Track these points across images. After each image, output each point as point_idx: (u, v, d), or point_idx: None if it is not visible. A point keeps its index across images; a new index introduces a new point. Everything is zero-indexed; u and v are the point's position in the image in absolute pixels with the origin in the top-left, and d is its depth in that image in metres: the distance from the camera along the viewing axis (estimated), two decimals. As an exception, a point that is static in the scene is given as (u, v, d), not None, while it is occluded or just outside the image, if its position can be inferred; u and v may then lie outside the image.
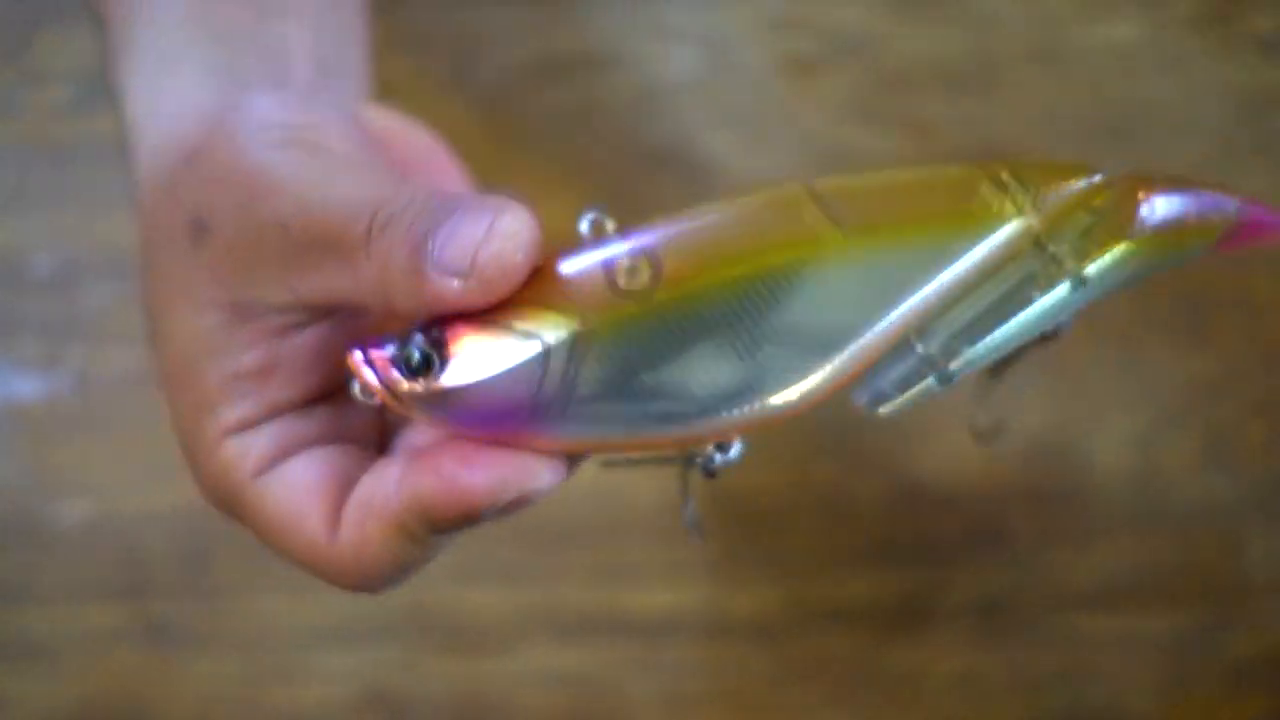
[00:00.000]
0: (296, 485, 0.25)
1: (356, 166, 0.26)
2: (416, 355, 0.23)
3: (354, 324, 0.26)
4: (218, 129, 0.26)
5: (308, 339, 0.25)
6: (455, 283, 0.22)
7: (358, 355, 0.24)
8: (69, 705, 0.53)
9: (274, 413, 0.26)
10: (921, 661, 0.55)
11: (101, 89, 0.53)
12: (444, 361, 0.23)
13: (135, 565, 0.53)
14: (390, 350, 0.23)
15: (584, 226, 0.26)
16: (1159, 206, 0.27)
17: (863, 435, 0.54)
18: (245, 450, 0.26)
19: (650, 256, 0.25)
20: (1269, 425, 0.55)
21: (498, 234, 0.22)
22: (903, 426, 0.55)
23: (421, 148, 0.31)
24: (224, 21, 0.29)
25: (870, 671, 0.54)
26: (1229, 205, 0.28)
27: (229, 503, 0.26)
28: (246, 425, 0.26)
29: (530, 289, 0.24)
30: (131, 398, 0.53)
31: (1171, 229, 0.27)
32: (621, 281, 0.24)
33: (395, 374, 0.23)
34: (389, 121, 0.31)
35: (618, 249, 0.25)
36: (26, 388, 0.53)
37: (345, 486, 0.25)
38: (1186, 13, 0.55)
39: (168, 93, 0.29)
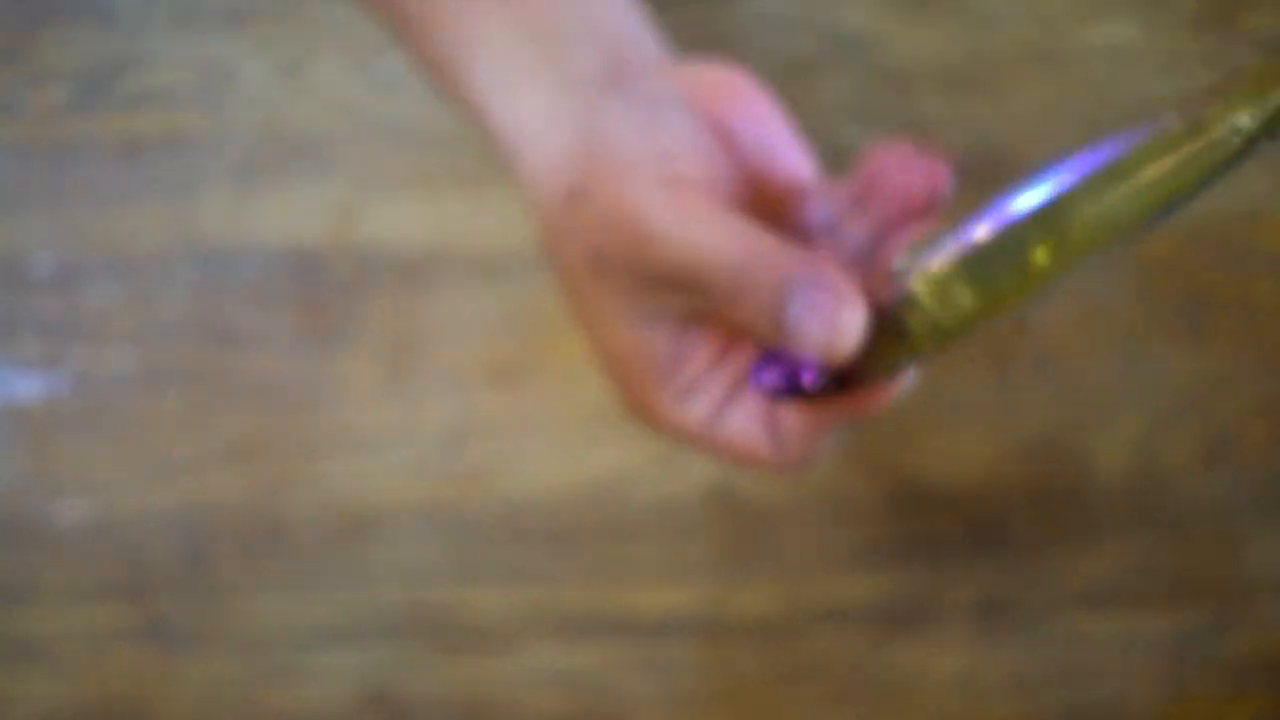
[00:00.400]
0: (744, 430, 0.34)
1: (711, 200, 0.31)
2: (820, 389, 0.31)
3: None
4: (592, 169, 0.32)
5: (704, 322, 0.33)
6: (816, 372, 0.31)
7: (756, 381, 0.32)
8: (69, 705, 0.53)
9: (696, 382, 0.33)
10: (921, 661, 0.54)
11: (102, 90, 0.53)
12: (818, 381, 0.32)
13: (135, 565, 0.53)
14: (774, 380, 0.32)
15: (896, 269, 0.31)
16: None
17: (863, 435, 0.54)
18: (687, 416, 0.33)
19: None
20: (1270, 425, 0.55)
21: (839, 335, 0.29)
22: (903, 426, 0.55)
23: (732, 86, 0.35)
24: (541, 27, 0.34)
25: (870, 671, 0.54)
26: None
27: (694, 440, 0.34)
28: (682, 396, 0.33)
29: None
30: (132, 398, 0.53)
31: None
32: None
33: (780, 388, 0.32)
34: (696, 71, 0.35)
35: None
36: (26, 388, 0.53)
37: (773, 418, 0.34)
38: (1186, 13, 0.55)
39: (528, 109, 0.34)
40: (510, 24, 0.34)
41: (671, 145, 0.32)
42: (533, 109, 0.34)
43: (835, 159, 0.55)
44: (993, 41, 0.55)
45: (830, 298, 0.29)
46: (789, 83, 0.55)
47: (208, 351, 0.53)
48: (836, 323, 0.29)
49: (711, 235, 0.30)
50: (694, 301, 0.31)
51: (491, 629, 0.54)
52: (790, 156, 0.36)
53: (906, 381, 0.34)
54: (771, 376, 0.32)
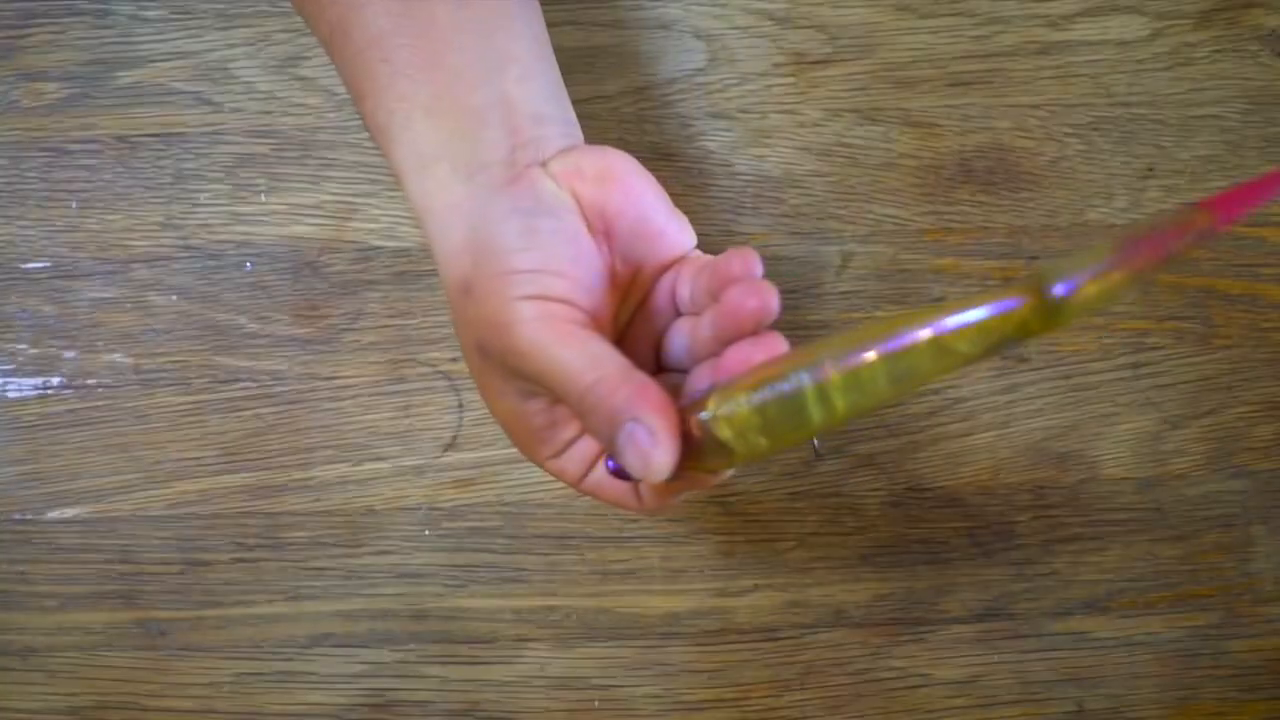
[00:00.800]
0: (605, 484, 0.42)
1: (572, 330, 0.38)
2: (624, 474, 0.40)
3: None
4: (477, 271, 0.39)
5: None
6: (645, 491, 0.41)
7: (609, 465, 0.41)
8: (63, 710, 0.53)
9: (569, 446, 0.42)
10: (924, 665, 0.54)
11: (95, 88, 0.53)
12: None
13: (130, 568, 0.53)
14: (616, 467, 0.41)
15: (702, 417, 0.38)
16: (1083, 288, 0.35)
17: (866, 438, 0.54)
18: (564, 468, 0.42)
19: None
20: (1276, 427, 0.55)
21: (652, 471, 0.36)
22: (906, 429, 0.54)
23: (619, 193, 0.41)
24: (457, 104, 0.40)
25: (872, 676, 0.54)
26: (1191, 229, 0.34)
27: (573, 486, 0.43)
28: (555, 456, 0.42)
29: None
30: (126, 399, 0.53)
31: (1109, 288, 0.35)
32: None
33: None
34: (590, 169, 0.41)
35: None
36: (20, 388, 0.53)
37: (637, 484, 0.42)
38: (1193, 8, 0.55)
39: (432, 190, 0.40)
40: (432, 98, 0.40)
41: (545, 260, 0.38)
42: (438, 195, 0.40)
43: (836, 155, 0.55)
44: (996, 37, 0.55)
45: (648, 438, 0.36)
46: (790, 79, 0.54)
47: (202, 352, 0.53)
48: (650, 460, 0.36)
49: (565, 359, 0.37)
50: (558, 397, 0.38)
51: (491, 632, 0.54)
52: (667, 234, 0.41)
53: (730, 472, 0.41)
54: (615, 464, 0.40)
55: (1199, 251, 0.55)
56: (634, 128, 0.54)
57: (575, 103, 0.54)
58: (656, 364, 0.43)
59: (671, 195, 0.53)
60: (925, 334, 0.35)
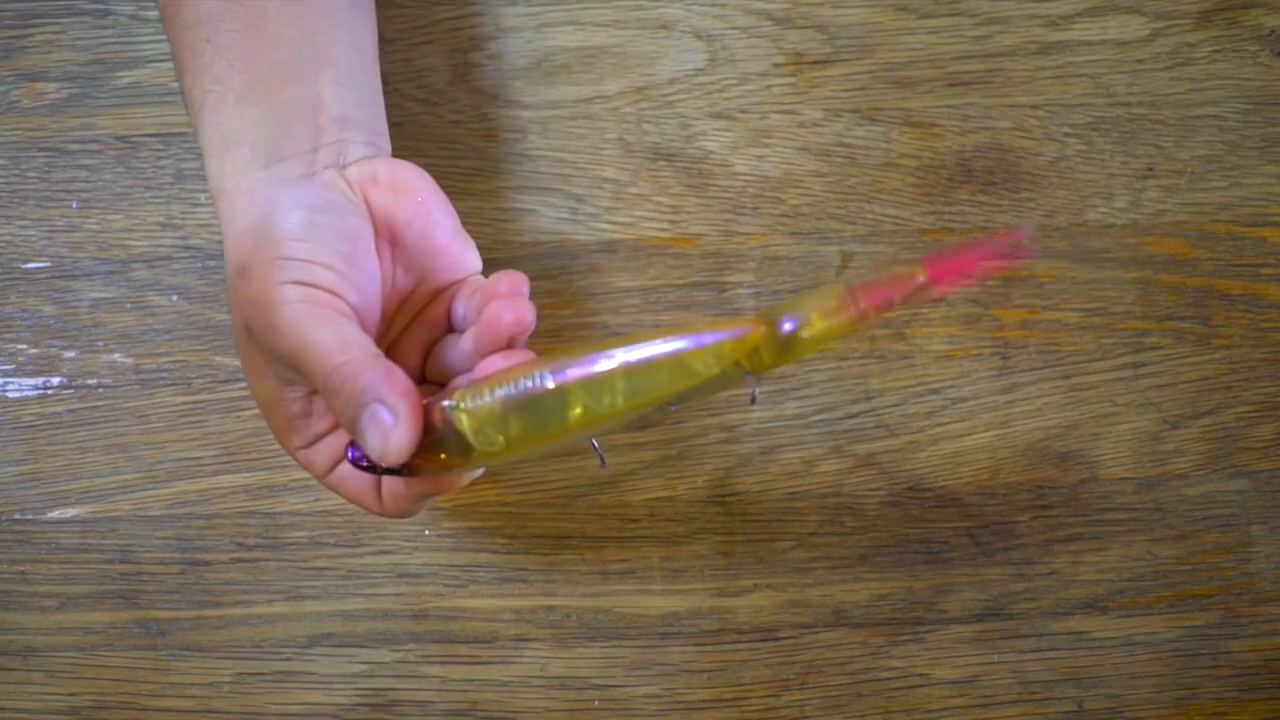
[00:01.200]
0: (349, 481, 0.43)
1: (334, 316, 0.39)
2: (365, 462, 0.41)
3: None
4: (254, 254, 0.40)
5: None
6: (382, 460, 0.39)
7: (351, 454, 0.41)
8: (63, 710, 0.53)
9: (319, 439, 0.42)
10: (923, 665, 0.54)
11: (95, 88, 0.53)
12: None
13: (130, 568, 0.53)
14: (357, 455, 0.41)
15: (445, 408, 0.40)
16: (804, 327, 0.38)
17: (866, 437, 0.54)
18: (313, 462, 0.43)
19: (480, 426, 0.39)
20: (1276, 427, 0.55)
21: (391, 451, 0.38)
22: (906, 429, 0.54)
23: (409, 204, 0.43)
24: (269, 95, 0.42)
25: (871, 675, 0.54)
26: (915, 278, 0.37)
27: (321, 482, 0.44)
28: (306, 446, 0.43)
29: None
30: (126, 399, 0.53)
31: (804, 345, 0.38)
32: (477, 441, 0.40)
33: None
34: (384, 176, 0.43)
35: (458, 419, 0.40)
36: (20, 389, 0.53)
37: (377, 478, 0.43)
38: (1192, 8, 0.55)
39: (231, 170, 0.42)
40: (246, 85, 0.42)
41: (318, 253, 0.40)
42: (234, 177, 0.41)
43: (836, 155, 0.55)
44: (995, 37, 0.55)
45: (389, 418, 0.37)
46: (790, 79, 0.54)
47: (202, 352, 0.53)
48: (389, 438, 0.37)
49: (318, 339, 0.38)
50: (311, 384, 0.39)
51: (490, 632, 0.54)
52: (451, 252, 0.44)
53: (476, 472, 0.43)
54: (356, 453, 0.41)
55: (1198, 251, 0.55)
56: (634, 128, 0.54)
57: (575, 103, 0.54)
58: (422, 376, 0.45)
59: (672, 195, 0.53)
60: (665, 350, 0.37)
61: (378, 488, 0.42)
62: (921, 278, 0.36)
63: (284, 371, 0.40)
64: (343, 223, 0.41)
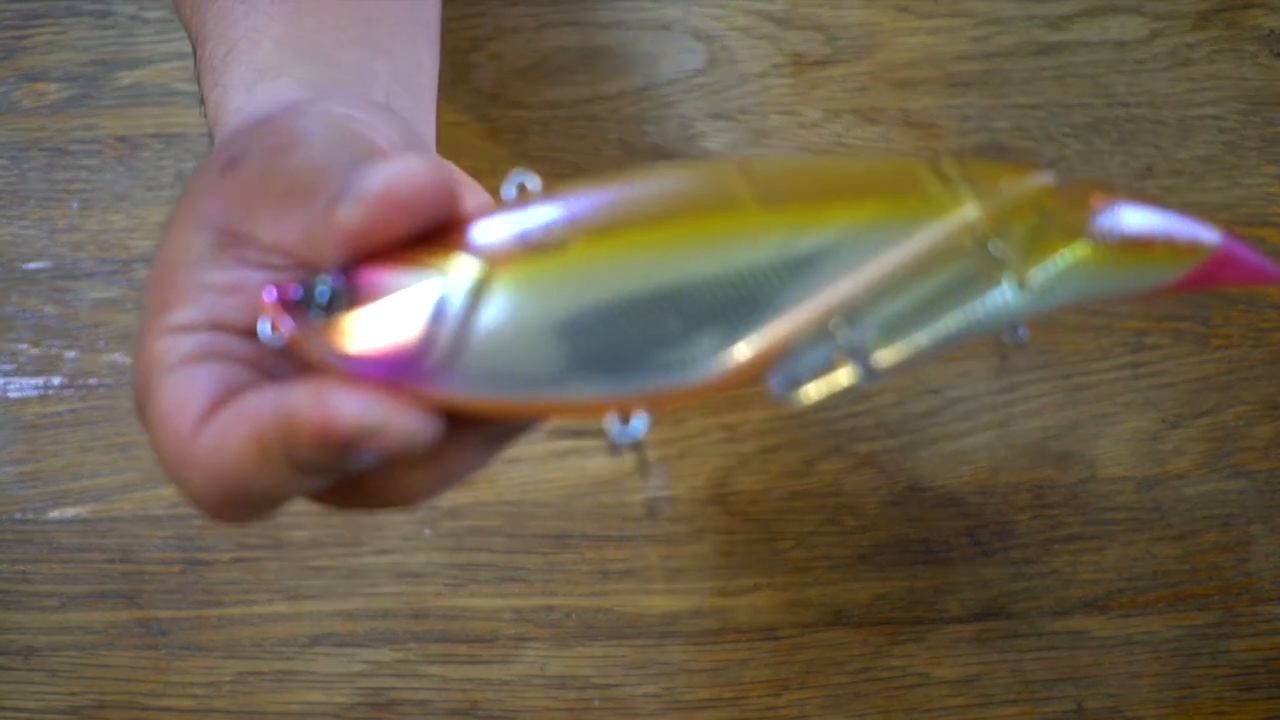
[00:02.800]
0: (192, 380, 0.25)
1: (376, 150, 0.27)
2: (322, 291, 0.23)
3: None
4: (284, 110, 0.29)
5: (272, 279, 0.26)
6: (350, 208, 0.23)
7: (270, 292, 0.24)
8: (64, 709, 0.53)
9: (215, 326, 0.26)
10: (923, 665, 0.54)
11: (96, 89, 0.53)
12: (351, 302, 0.23)
13: (131, 568, 0.53)
14: (300, 291, 0.23)
15: (509, 191, 0.25)
16: (1124, 217, 0.25)
17: (865, 437, 0.54)
18: (173, 345, 0.26)
19: (566, 213, 0.24)
20: (1275, 427, 0.55)
21: (391, 170, 0.23)
22: (906, 429, 0.54)
23: (460, 176, 0.32)
24: (316, 48, 0.32)
25: (871, 675, 0.54)
26: (1208, 235, 0.26)
27: (142, 396, 0.27)
28: (188, 328, 0.26)
29: (445, 238, 0.23)
30: (126, 399, 0.53)
31: (1133, 245, 0.25)
32: (534, 236, 0.23)
33: (303, 314, 0.23)
34: (455, 173, 0.32)
35: (536, 207, 0.24)
36: (21, 389, 0.53)
37: (230, 400, 0.25)
38: (1191, 9, 0.55)
39: (260, 94, 0.31)
40: (290, 34, 0.32)
41: (374, 120, 0.29)
42: (270, 97, 0.31)
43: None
44: (994, 37, 0.55)
45: (395, 160, 0.24)
46: (790, 79, 0.54)
47: (203, 352, 0.53)
48: (392, 166, 0.24)
49: (350, 150, 0.27)
50: (291, 221, 0.26)
51: (491, 632, 0.54)
52: None
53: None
54: (281, 293, 0.25)
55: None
56: (634, 128, 0.54)
57: (575, 103, 0.54)
58: None
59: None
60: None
61: (210, 409, 0.25)
62: (1211, 244, 0.26)
63: (257, 210, 0.27)
64: (408, 127, 0.30)
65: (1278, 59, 0.55)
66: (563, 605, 0.54)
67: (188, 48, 0.54)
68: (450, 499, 0.53)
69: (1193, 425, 0.55)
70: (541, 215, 0.23)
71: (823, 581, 0.54)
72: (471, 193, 0.30)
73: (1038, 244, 0.24)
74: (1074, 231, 0.24)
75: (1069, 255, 0.24)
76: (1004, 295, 0.24)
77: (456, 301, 0.23)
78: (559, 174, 0.54)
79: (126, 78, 0.53)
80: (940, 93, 0.55)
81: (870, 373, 0.23)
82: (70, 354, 0.53)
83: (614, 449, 0.23)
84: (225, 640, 0.53)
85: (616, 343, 0.23)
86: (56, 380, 0.53)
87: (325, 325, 0.23)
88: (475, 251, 0.23)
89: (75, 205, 0.53)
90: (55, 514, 0.53)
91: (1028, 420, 0.55)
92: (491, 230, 0.24)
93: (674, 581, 0.54)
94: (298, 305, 0.23)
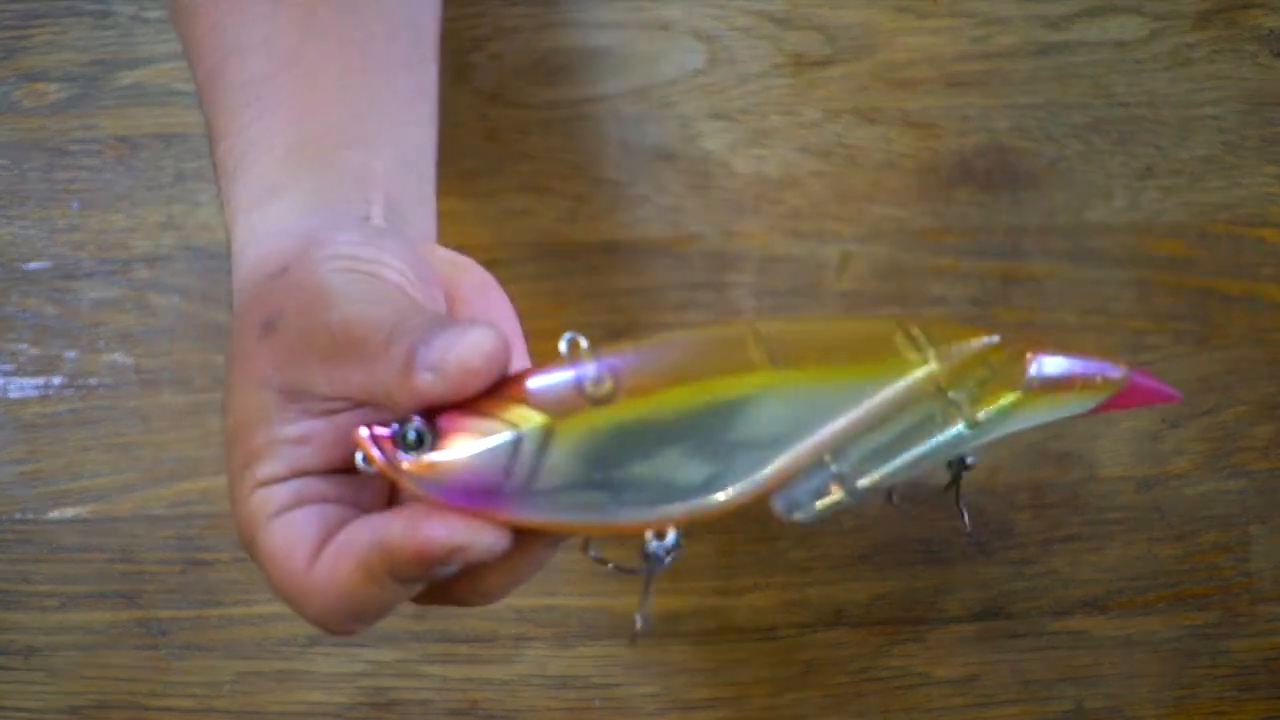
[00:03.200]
0: (295, 524, 0.31)
1: (398, 293, 0.32)
2: (412, 434, 0.29)
3: (379, 416, 0.31)
4: (303, 254, 0.32)
5: (339, 422, 0.31)
6: (429, 376, 0.28)
7: (363, 431, 0.29)
8: (64, 709, 0.53)
9: (298, 474, 0.31)
10: (923, 665, 0.54)
11: (96, 89, 0.53)
12: (435, 441, 0.29)
13: (131, 568, 0.53)
14: (391, 430, 0.29)
15: (563, 346, 0.30)
16: (1047, 366, 0.32)
17: (864, 436, 0.54)
18: (268, 499, 0.31)
19: (614, 370, 0.30)
20: (1275, 427, 0.55)
21: (465, 343, 0.28)
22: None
23: (475, 281, 0.36)
24: (321, 154, 0.35)
25: (871, 675, 0.54)
26: (1115, 372, 0.32)
27: (249, 542, 0.32)
28: (276, 480, 0.31)
29: (513, 392, 0.29)
30: (127, 399, 0.53)
31: (1058, 386, 0.32)
32: (588, 389, 0.29)
33: (393, 449, 0.29)
34: (448, 257, 0.36)
35: (588, 364, 0.30)
36: (21, 388, 0.53)
37: (333, 535, 0.30)
38: (1191, 9, 0.55)
39: (268, 218, 0.34)
40: (298, 140, 0.35)
41: (384, 256, 0.33)
42: (277, 224, 0.34)
43: (835, 156, 0.55)
44: (994, 38, 0.55)
45: (465, 328, 0.29)
46: (790, 79, 0.54)
47: (203, 352, 0.53)
48: (466, 333, 0.29)
49: (380, 306, 0.31)
50: (347, 375, 0.30)
51: (491, 631, 0.54)
52: (514, 352, 0.34)
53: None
54: (378, 430, 0.30)
55: (1197, 252, 0.55)
56: (634, 128, 0.54)
57: (575, 103, 0.54)
58: None
59: (672, 195, 0.53)
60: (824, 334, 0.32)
61: (317, 548, 0.31)
62: (1119, 376, 0.32)
63: (309, 368, 0.31)
64: (407, 248, 0.34)
65: (1278, 59, 0.55)
66: (563, 605, 0.54)
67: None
68: (450, 499, 0.53)
69: (1192, 425, 0.55)
70: (590, 368, 0.30)
71: (823, 581, 0.54)
72: (516, 335, 0.35)
73: (985, 391, 0.31)
74: (1013, 381, 0.31)
75: (1009, 399, 0.31)
76: (958, 430, 0.31)
77: (529, 445, 0.29)
78: (559, 174, 0.54)
79: (127, 78, 0.53)
80: (940, 93, 0.55)
81: (855, 494, 0.30)
82: (70, 354, 0.53)
83: (650, 560, 0.30)
84: (226, 640, 0.53)
85: (654, 481, 0.29)
86: (57, 380, 0.53)
87: (415, 462, 0.29)
88: (537, 403, 0.29)
89: (75, 205, 0.53)
90: (55, 514, 0.53)
91: (1027, 420, 0.55)
92: (550, 383, 0.30)
93: (673, 581, 0.54)
94: (390, 443, 0.29)
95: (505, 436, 0.29)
